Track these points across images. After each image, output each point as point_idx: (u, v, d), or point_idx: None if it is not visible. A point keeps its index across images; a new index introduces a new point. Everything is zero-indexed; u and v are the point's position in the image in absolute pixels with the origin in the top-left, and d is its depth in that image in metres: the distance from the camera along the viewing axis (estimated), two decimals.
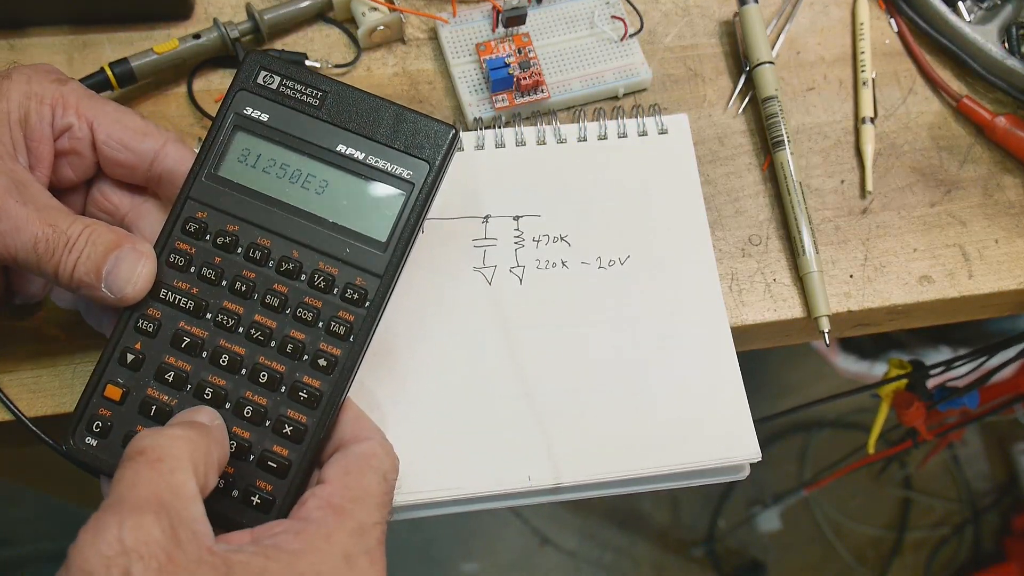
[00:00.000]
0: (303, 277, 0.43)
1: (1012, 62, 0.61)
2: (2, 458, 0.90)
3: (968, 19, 0.63)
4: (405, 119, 0.44)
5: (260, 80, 0.45)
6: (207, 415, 0.40)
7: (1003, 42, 0.62)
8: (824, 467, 1.48)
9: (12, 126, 0.43)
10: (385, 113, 0.44)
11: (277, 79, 0.45)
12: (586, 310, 0.51)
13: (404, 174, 0.44)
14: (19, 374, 0.49)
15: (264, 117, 0.45)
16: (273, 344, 0.42)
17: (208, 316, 0.43)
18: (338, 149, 0.44)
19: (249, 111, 0.45)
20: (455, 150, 0.45)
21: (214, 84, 0.58)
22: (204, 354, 0.42)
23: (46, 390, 0.48)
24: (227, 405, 0.42)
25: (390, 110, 0.44)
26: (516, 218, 0.53)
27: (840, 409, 1.57)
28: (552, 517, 1.50)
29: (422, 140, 0.44)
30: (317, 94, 0.45)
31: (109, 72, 0.54)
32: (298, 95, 0.45)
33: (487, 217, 0.53)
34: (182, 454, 0.36)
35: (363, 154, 0.44)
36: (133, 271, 0.41)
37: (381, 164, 0.44)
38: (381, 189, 0.44)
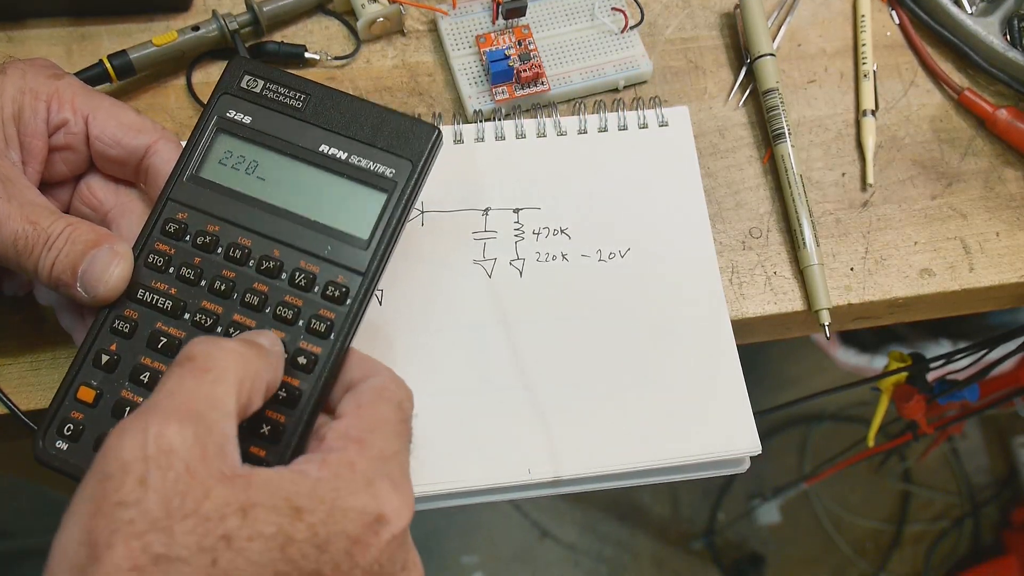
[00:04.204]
0: (283, 276, 0.42)
1: (1014, 54, 0.60)
2: (1, 451, 0.90)
3: (970, 11, 0.63)
4: (388, 120, 0.44)
5: (244, 84, 0.45)
6: (268, 339, 0.39)
7: (1005, 34, 0.62)
8: (824, 460, 1.48)
9: (5, 121, 0.43)
10: (368, 114, 0.44)
11: (261, 83, 0.45)
12: (586, 303, 0.51)
13: (387, 173, 0.44)
14: (18, 366, 0.49)
15: (247, 120, 0.45)
16: None
17: (186, 316, 0.42)
18: (320, 149, 0.44)
19: (232, 114, 0.45)
20: (438, 150, 0.45)
21: (213, 77, 0.57)
22: None
23: (45, 383, 0.48)
24: None
25: (373, 111, 0.44)
26: (516, 211, 0.53)
27: (840, 402, 1.57)
28: (552, 510, 1.50)
29: (405, 140, 0.44)
30: (300, 97, 0.45)
31: (108, 64, 0.54)
32: (281, 98, 0.45)
33: (487, 210, 0.53)
34: (230, 367, 0.35)
35: (345, 154, 0.44)
36: (106, 271, 0.41)
37: (363, 163, 0.44)
38: (363, 188, 0.44)
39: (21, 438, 0.52)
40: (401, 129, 0.44)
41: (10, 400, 0.46)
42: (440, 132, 0.44)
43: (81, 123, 0.44)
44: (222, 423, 0.34)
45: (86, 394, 0.41)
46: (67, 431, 0.41)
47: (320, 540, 0.32)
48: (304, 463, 0.35)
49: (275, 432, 0.40)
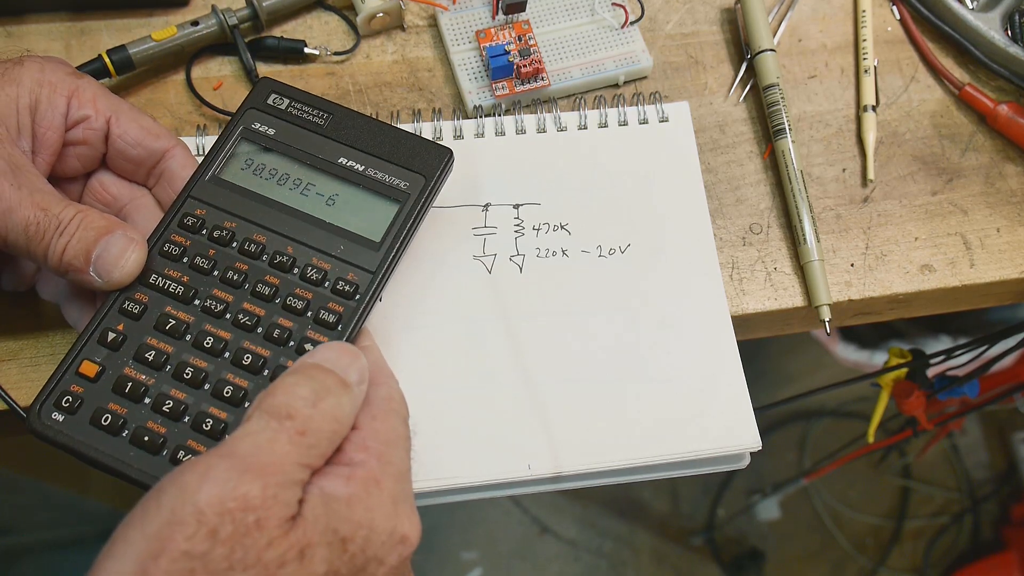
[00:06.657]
0: (295, 271, 0.44)
1: (1015, 50, 0.60)
2: (2, 447, 0.90)
3: (971, 6, 0.63)
4: (405, 141, 0.47)
5: (270, 101, 0.48)
6: (358, 372, 0.39)
7: (1006, 30, 0.62)
8: (824, 456, 1.48)
9: (20, 111, 0.43)
10: (387, 135, 0.47)
11: (286, 100, 0.48)
12: (586, 299, 0.51)
13: (401, 185, 0.46)
14: (18, 362, 0.49)
15: (271, 132, 0.47)
16: (260, 330, 0.43)
17: (196, 302, 0.43)
18: (339, 161, 0.46)
19: (257, 126, 0.47)
20: (450, 169, 0.47)
21: (212, 72, 0.57)
22: (188, 337, 0.42)
23: (45, 379, 0.48)
24: (206, 386, 0.41)
25: (391, 132, 0.47)
26: (516, 206, 0.53)
27: (840, 398, 1.57)
28: (552, 506, 1.50)
29: (420, 158, 0.47)
30: (323, 115, 0.47)
31: (107, 60, 0.54)
32: (305, 115, 0.47)
33: (487, 205, 0.53)
34: (325, 434, 0.36)
35: (363, 167, 0.46)
36: (122, 255, 0.41)
37: (379, 176, 0.46)
38: (378, 197, 0.46)
39: (20, 434, 0.52)
40: (417, 149, 0.47)
41: (8, 395, 0.46)
42: (452, 154, 0.47)
43: (102, 121, 0.45)
44: (297, 484, 0.34)
45: (88, 368, 0.42)
46: (64, 403, 0.41)
47: (357, 566, 0.34)
48: (332, 479, 0.36)
49: None
